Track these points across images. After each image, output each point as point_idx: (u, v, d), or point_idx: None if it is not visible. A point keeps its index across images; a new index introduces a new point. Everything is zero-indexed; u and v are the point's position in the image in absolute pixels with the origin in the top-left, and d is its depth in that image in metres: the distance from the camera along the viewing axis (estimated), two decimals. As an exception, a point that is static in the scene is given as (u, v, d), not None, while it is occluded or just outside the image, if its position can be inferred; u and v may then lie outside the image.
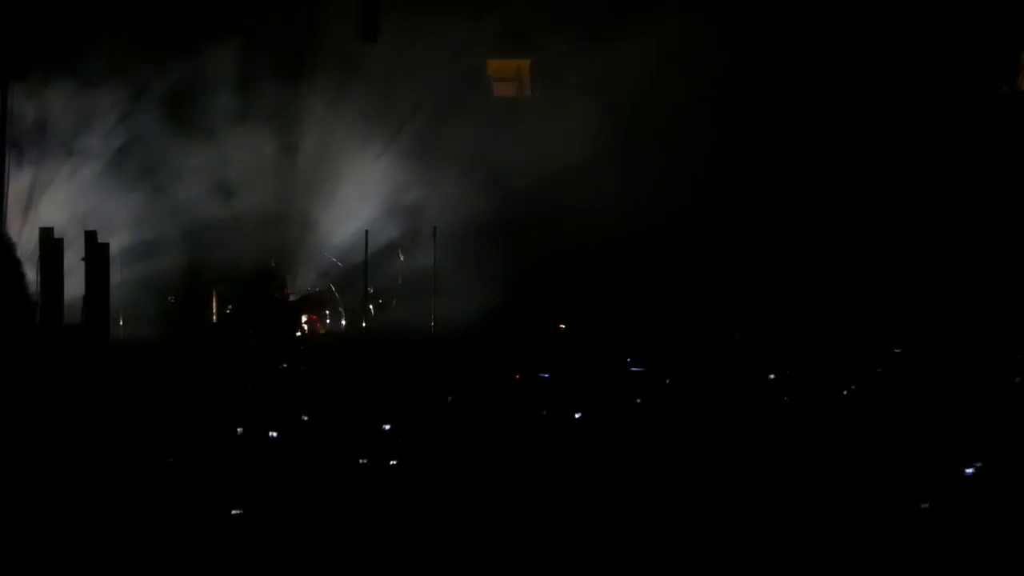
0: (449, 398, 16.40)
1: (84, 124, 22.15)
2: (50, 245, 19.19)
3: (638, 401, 16.30)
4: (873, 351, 19.00)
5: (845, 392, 16.49)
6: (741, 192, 21.79)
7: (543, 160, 22.88)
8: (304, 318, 23.10)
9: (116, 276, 20.57)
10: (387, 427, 14.54)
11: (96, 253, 19.34)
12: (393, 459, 13.12)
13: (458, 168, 23.27)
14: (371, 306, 23.10)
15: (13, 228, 20.91)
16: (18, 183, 21.74)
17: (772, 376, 17.65)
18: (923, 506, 11.34)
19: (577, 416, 15.45)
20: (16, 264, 19.19)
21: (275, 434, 14.33)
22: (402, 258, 23.66)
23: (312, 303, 23.39)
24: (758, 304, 21.62)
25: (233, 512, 11.19)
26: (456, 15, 22.85)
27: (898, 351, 19.10)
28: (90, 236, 19.43)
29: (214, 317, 23.00)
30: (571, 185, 22.57)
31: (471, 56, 23.62)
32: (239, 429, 14.47)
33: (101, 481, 12.29)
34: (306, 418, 15.14)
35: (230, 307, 23.10)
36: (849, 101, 22.46)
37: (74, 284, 19.54)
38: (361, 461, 13.16)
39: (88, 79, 21.91)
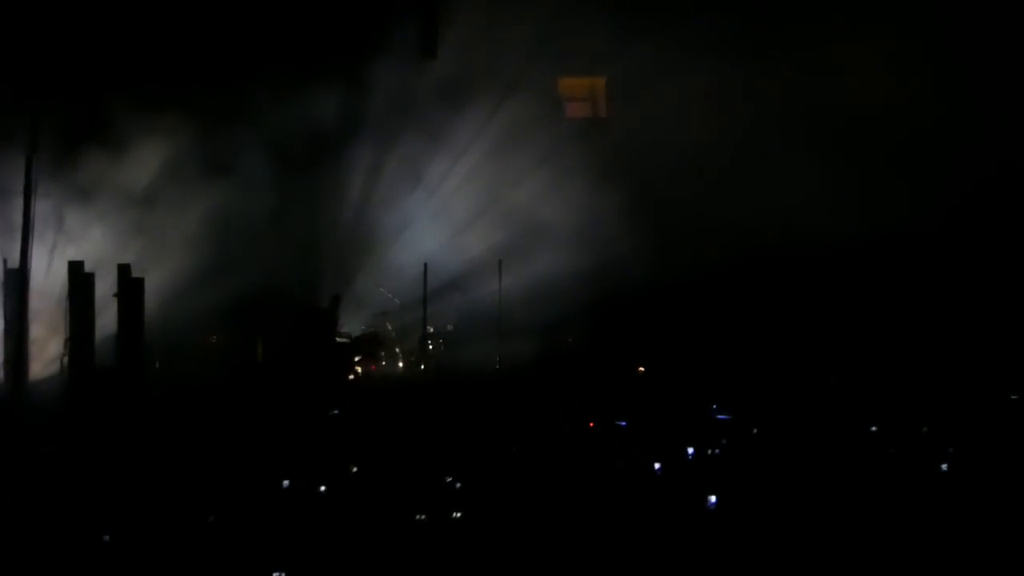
0: (515, 448, 16.45)
1: (119, 156, 22.38)
2: (80, 280, 19.38)
3: (717, 452, 16.40)
4: (989, 396, 18.89)
5: (951, 448, 16.38)
6: (840, 221, 21.66)
7: (620, 185, 23.01)
8: (357, 359, 23.13)
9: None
10: (448, 480, 14.67)
11: (130, 288, 19.51)
12: (453, 515, 13.35)
13: (527, 196, 23.25)
14: (431, 345, 23.17)
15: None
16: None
17: (874, 428, 17.54)
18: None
19: (656, 467, 15.51)
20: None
21: (324, 488, 14.50)
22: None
23: (366, 343, 23.39)
24: (857, 345, 21.41)
25: (275, 576, 11.46)
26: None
27: (1015, 397, 19.00)
28: (123, 270, 19.60)
29: (259, 358, 23.22)
30: (650, 212, 22.51)
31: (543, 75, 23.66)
32: (285, 482, 14.61)
33: (135, 542, 12.61)
34: (356, 469, 15.25)
35: (277, 347, 23.25)
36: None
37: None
38: (418, 517, 13.35)
39: (120, 116, 22.25)
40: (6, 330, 19.90)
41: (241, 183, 22.49)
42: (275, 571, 11.39)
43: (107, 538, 12.61)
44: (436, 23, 23.04)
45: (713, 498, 13.99)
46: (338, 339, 22.81)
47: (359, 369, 22.81)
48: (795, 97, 21.79)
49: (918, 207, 21.39)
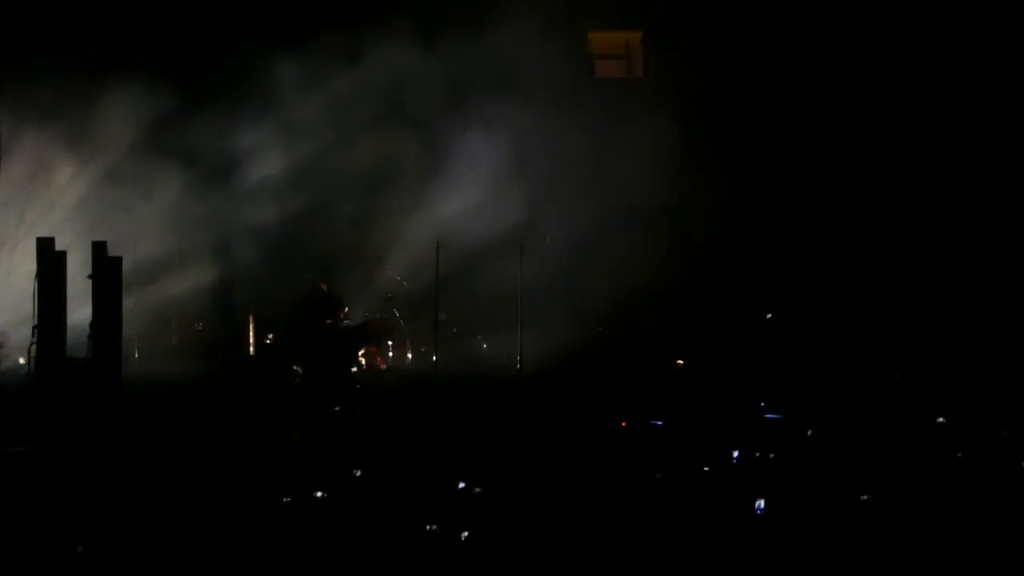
0: (539, 452, 16.25)
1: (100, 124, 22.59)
2: (50, 259, 19.22)
3: (771, 456, 16.17)
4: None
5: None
6: (895, 205, 21.75)
7: (657, 161, 22.95)
8: (362, 351, 23.07)
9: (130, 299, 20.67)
10: (461, 486, 14.52)
11: (106, 269, 19.40)
12: (468, 527, 13.11)
13: (551, 168, 23.35)
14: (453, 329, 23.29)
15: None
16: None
17: (941, 419, 17.49)
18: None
19: (706, 471, 15.35)
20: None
21: (323, 494, 14.36)
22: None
23: (372, 332, 23.36)
24: (928, 335, 21.43)
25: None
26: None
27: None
28: (99, 248, 19.44)
29: (251, 349, 23.03)
30: (691, 188, 22.58)
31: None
32: (280, 489, 14.40)
33: (112, 555, 12.36)
34: (359, 473, 15.11)
35: (271, 336, 23.12)
36: None
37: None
38: (429, 528, 13.18)
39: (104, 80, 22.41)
40: None
41: (229, 155, 22.59)
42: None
43: (80, 549, 12.39)
44: None
45: (761, 503, 13.87)
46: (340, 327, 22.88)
47: (363, 361, 22.84)
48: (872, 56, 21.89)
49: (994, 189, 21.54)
